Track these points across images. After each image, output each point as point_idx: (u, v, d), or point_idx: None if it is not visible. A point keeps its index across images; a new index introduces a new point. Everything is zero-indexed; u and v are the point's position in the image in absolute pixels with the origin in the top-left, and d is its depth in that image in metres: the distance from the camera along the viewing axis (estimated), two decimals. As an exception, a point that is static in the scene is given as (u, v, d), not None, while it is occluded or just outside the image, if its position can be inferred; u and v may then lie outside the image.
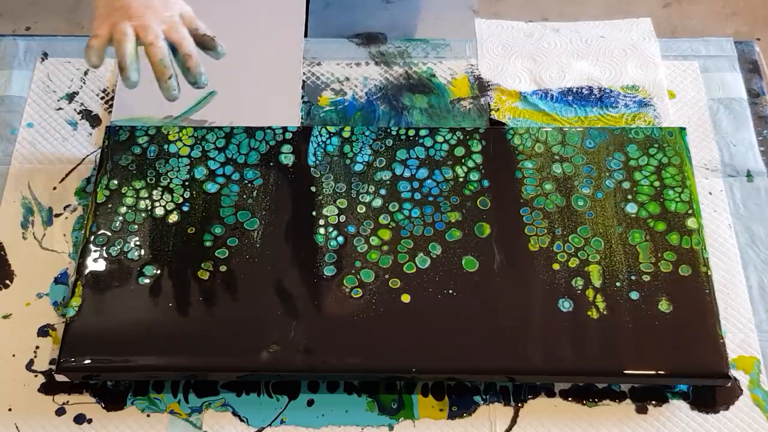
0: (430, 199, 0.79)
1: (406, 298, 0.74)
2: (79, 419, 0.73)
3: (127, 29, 0.72)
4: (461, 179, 0.81)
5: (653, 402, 0.73)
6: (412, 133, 0.84)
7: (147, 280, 0.75)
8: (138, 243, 0.77)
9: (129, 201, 0.80)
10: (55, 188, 0.85)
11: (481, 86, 0.92)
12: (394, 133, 0.84)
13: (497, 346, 0.72)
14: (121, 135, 0.84)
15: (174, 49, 0.74)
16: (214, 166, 0.82)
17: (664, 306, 0.73)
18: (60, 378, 0.73)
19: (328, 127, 0.84)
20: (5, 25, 1.79)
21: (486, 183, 0.80)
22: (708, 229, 0.82)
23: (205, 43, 0.77)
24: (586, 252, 0.76)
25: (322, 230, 0.78)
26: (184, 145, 0.83)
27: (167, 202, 0.80)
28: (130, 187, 0.80)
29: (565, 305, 0.73)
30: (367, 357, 0.72)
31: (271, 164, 0.82)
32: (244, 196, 0.80)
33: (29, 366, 0.76)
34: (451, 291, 0.74)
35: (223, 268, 0.76)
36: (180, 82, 0.75)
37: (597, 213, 0.78)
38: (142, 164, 0.82)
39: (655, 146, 0.82)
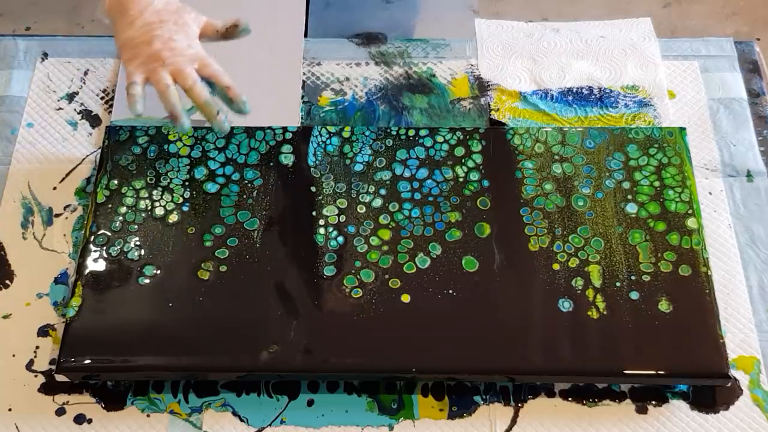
0: (430, 199, 0.79)
1: (406, 298, 0.74)
2: (79, 419, 0.73)
3: (167, 79, 0.75)
4: (461, 179, 0.81)
5: (653, 402, 0.73)
6: (412, 133, 0.84)
7: (147, 280, 0.75)
8: (138, 243, 0.77)
9: (129, 201, 0.80)
10: (55, 188, 0.85)
11: (481, 86, 0.92)
12: (394, 133, 0.84)
13: (497, 346, 0.72)
14: (121, 135, 0.84)
15: (210, 83, 0.77)
16: (214, 166, 0.82)
17: (664, 306, 0.73)
18: (60, 378, 0.73)
19: (328, 127, 0.84)
20: (5, 25, 1.79)
21: (486, 183, 0.80)
22: (708, 229, 0.82)
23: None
24: (586, 252, 0.76)
25: (322, 230, 0.78)
26: (184, 145, 0.83)
27: (167, 202, 0.80)
28: (130, 187, 0.80)
29: (565, 305, 0.73)
30: (367, 357, 0.72)
31: (271, 164, 0.82)
32: (244, 196, 0.80)
33: (29, 366, 0.76)
34: (451, 291, 0.74)
35: (223, 268, 0.76)
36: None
37: (597, 213, 0.78)
38: (142, 164, 0.82)
39: (655, 146, 0.82)
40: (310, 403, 0.74)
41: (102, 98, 0.92)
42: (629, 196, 0.79)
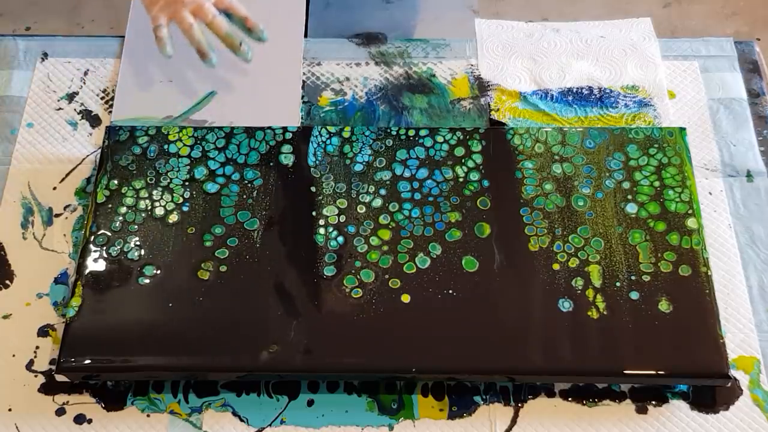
0: (430, 199, 0.79)
1: (406, 298, 0.74)
2: (79, 419, 0.73)
3: (190, 17, 0.81)
4: (461, 179, 0.81)
5: (653, 402, 0.73)
6: (412, 133, 0.84)
7: (147, 280, 0.75)
8: (138, 243, 0.77)
9: (129, 201, 0.80)
10: (55, 188, 0.85)
11: (481, 86, 0.92)
12: (394, 133, 0.84)
13: (497, 346, 0.72)
14: (121, 135, 0.84)
15: (227, 15, 0.83)
16: (214, 166, 0.82)
17: (664, 306, 0.73)
18: (60, 378, 0.73)
19: (328, 127, 0.84)
20: (5, 25, 1.79)
21: (486, 183, 0.80)
22: (708, 229, 0.82)
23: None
24: (586, 252, 0.76)
25: (322, 230, 0.78)
26: (184, 145, 0.83)
27: (167, 202, 0.80)
28: (130, 187, 0.80)
29: (565, 305, 0.73)
30: (367, 357, 0.72)
31: (271, 164, 0.82)
32: (244, 196, 0.80)
33: (29, 366, 0.76)
34: (451, 291, 0.74)
35: (223, 268, 0.76)
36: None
37: (597, 213, 0.78)
38: (142, 164, 0.82)
39: (655, 146, 0.82)
40: (310, 403, 0.74)
41: (102, 98, 0.92)
42: (629, 196, 0.79)
